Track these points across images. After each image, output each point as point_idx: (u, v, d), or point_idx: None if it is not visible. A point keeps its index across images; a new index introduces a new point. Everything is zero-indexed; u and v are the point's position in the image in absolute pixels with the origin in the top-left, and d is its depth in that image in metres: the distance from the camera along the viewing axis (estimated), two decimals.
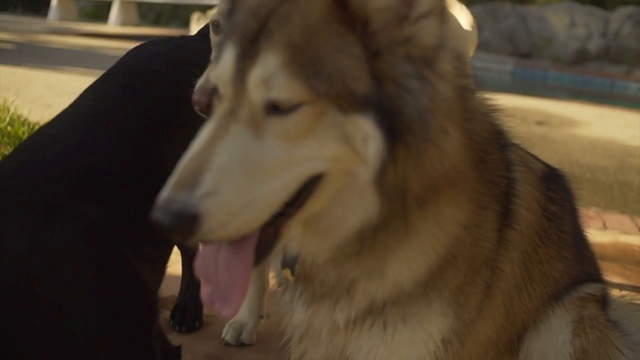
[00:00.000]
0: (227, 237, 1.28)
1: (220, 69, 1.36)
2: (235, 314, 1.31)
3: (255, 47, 1.30)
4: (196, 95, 2.02)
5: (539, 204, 1.88)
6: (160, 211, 1.21)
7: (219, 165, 1.25)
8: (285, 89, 1.27)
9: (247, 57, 1.31)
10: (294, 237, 1.52)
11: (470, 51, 3.61)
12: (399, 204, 1.39)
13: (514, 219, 1.76)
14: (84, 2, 17.70)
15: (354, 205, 1.40)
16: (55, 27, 16.54)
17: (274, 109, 1.29)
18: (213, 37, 2.26)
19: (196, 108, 2.04)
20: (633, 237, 4.47)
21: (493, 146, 1.69)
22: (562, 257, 1.98)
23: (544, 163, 2.01)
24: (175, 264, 3.41)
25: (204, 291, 1.38)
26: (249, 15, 1.35)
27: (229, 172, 1.25)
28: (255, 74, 1.29)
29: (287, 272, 1.67)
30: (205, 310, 2.91)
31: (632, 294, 2.89)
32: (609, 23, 17.03)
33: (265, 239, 1.38)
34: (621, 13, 17.02)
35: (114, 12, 17.58)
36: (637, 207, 5.54)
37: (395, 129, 1.31)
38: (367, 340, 1.66)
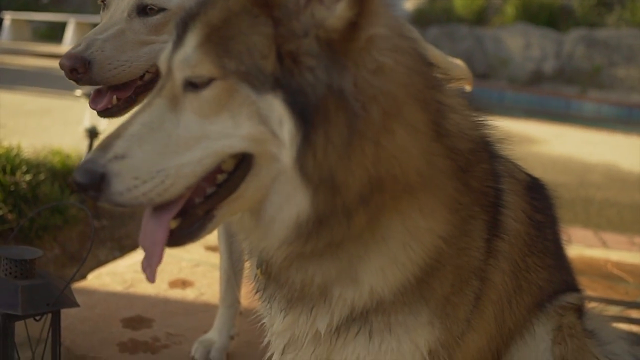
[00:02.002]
0: (136, 201, 1.34)
1: (162, 52, 1.46)
2: (154, 279, 1.42)
3: (185, 30, 1.39)
4: (61, 60, 2.12)
5: (526, 213, 1.86)
6: (77, 169, 1.33)
7: (131, 132, 1.35)
8: (196, 66, 1.34)
9: (179, 39, 1.40)
10: (248, 231, 1.53)
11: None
12: (333, 199, 1.35)
13: (502, 229, 1.73)
14: (38, 22, 17.40)
15: (288, 195, 1.38)
16: (8, 48, 16.23)
17: (191, 85, 1.36)
18: (101, 15, 2.28)
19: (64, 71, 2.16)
20: (597, 251, 4.52)
21: (481, 157, 1.66)
22: (546, 265, 1.96)
23: (527, 173, 2.00)
24: (139, 283, 3.33)
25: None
26: (196, 3, 1.44)
27: (140, 139, 1.34)
28: (177, 56, 1.38)
29: (259, 272, 1.65)
30: (172, 328, 2.84)
31: (601, 305, 2.90)
32: (562, 45, 17.39)
33: (195, 217, 1.42)
34: (574, 35, 17.40)
35: (69, 33, 17.26)
36: (599, 221, 5.62)
37: (306, 111, 1.30)
38: (352, 350, 1.60)
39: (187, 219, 1.42)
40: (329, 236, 1.41)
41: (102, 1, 2.27)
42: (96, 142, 4.45)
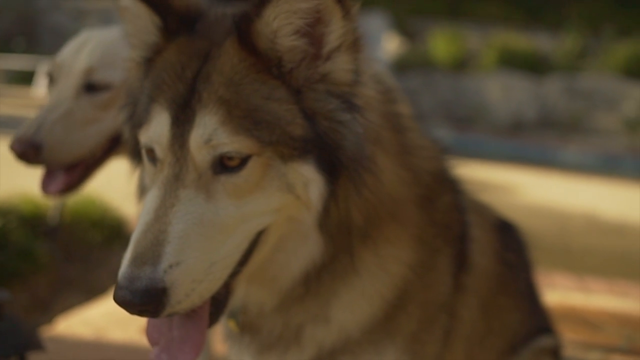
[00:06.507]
0: (192, 305, 1.25)
1: (156, 135, 1.32)
2: None
3: (189, 110, 1.28)
4: (13, 145, 2.07)
5: (494, 250, 1.84)
6: (126, 290, 1.18)
7: (177, 234, 1.23)
8: (231, 143, 1.25)
9: (182, 121, 1.29)
10: (239, 290, 1.48)
11: None
12: (344, 239, 1.38)
13: (469, 263, 1.71)
14: (11, 68, 17.38)
15: (297, 250, 1.39)
16: None
17: (223, 167, 1.27)
18: (49, 89, 2.25)
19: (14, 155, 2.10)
20: (579, 296, 4.49)
21: (443, 188, 1.66)
22: (519, 307, 1.94)
23: (497, 214, 1.99)
24: (109, 330, 3.25)
25: (153, 353, 1.34)
26: (175, 79, 1.33)
27: (189, 239, 1.23)
28: (196, 137, 1.26)
29: (231, 324, 1.60)
30: None
31: (582, 351, 2.87)
32: (543, 91, 17.60)
33: (218, 297, 1.36)
34: (554, 81, 17.64)
35: (41, 77, 17.27)
36: (580, 267, 5.60)
37: (338, 164, 1.31)
38: None
39: (213, 303, 1.35)
40: (327, 278, 1.43)
41: (49, 75, 2.25)
42: None
